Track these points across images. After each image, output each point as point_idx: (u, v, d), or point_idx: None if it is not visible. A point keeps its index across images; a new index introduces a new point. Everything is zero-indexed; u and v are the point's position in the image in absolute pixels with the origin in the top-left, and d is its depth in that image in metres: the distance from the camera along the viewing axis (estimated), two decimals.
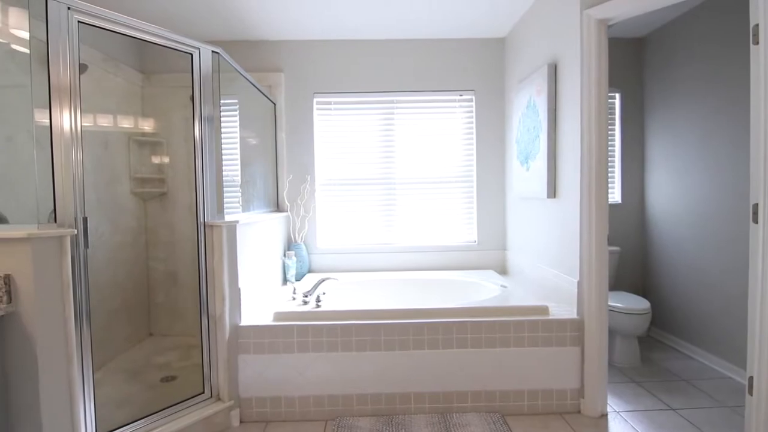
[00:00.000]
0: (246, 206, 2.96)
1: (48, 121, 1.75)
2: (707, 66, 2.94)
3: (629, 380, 2.78)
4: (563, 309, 2.48)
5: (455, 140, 3.61)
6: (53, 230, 1.68)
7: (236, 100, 3.09)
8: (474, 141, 3.61)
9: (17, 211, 2.19)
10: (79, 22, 1.81)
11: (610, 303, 2.86)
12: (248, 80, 2.94)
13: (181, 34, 2.18)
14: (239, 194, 2.98)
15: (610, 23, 2.26)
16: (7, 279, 1.61)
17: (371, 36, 3.47)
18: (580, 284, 2.37)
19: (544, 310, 2.42)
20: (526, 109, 2.95)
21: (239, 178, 3.00)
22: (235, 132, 3.06)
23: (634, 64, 3.65)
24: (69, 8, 1.77)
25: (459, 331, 2.34)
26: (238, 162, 3.03)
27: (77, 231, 1.77)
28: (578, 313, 2.38)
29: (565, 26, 2.47)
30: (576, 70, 2.36)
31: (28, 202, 1.91)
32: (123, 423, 1.97)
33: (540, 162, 2.73)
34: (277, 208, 3.58)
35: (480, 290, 3.04)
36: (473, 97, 3.59)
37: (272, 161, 3.53)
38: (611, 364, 2.95)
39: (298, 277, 3.41)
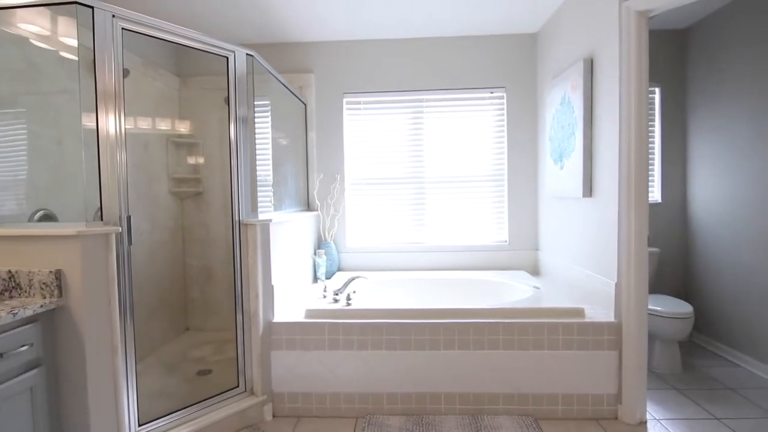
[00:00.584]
0: (278, 205, 3.02)
1: (94, 124, 1.83)
2: (758, 60, 2.78)
3: (670, 387, 2.67)
4: (599, 312, 2.41)
5: (485, 138, 3.56)
6: (100, 228, 1.76)
7: (268, 102, 3.15)
8: (505, 139, 3.55)
9: (65, 209, 2.31)
10: (123, 29, 1.88)
11: (649, 306, 2.76)
12: (280, 81, 2.99)
13: (216, 37, 2.24)
14: (271, 194, 3.04)
15: (651, 15, 2.17)
16: (58, 274, 1.70)
17: (400, 35, 3.47)
18: (617, 286, 2.29)
19: (579, 312, 2.35)
20: (560, 105, 2.88)
21: (271, 177, 3.06)
22: (267, 132, 3.13)
23: (675, 57, 3.50)
24: (114, 16, 1.85)
25: (491, 332, 2.30)
26: (270, 162, 3.10)
27: (121, 229, 1.85)
28: (616, 316, 2.30)
29: (603, 19, 2.39)
30: (614, 65, 2.28)
31: (75, 202, 2.01)
32: (162, 414, 2.04)
33: (575, 160, 2.65)
34: (308, 207, 3.63)
35: (511, 291, 2.99)
36: (504, 95, 3.53)
37: (303, 161, 3.58)
38: (650, 370, 2.84)
39: (328, 276, 3.45)
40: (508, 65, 3.49)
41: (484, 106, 3.55)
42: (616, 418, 2.29)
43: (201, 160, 3.54)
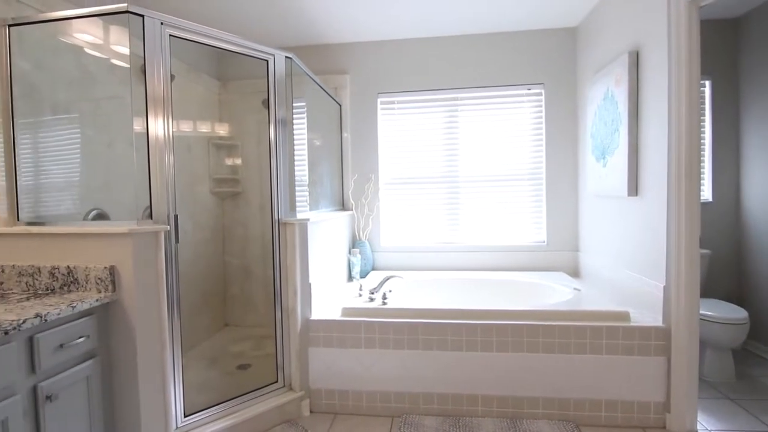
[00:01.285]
0: (314, 205, 3.06)
1: (144, 128, 1.92)
2: None
3: (722, 396, 2.52)
4: (646, 316, 2.31)
5: (523, 135, 3.49)
6: (150, 226, 1.85)
7: (304, 103, 3.20)
8: (543, 136, 3.46)
9: (117, 209, 2.43)
10: (170, 35, 1.96)
11: (700, 311, 2.62)
12: (316, 83, 3.03)
13: (255, 41, 2.30)
14: (307, 193, 3.09)
15: (702, 4, 2.06)
16: (112, 270, 1.79)
17: (434, 34, 3.45)
18: (666, 289, 2.19)
19: (624, 315, 2.26)
20: (603, 101, 2.78)
21: (307, 177, 3.11)
22: (304, 133, 3.18)
23: (727, 48, 3.30)
24: (162, 23, 1.93)
25: (530, 334, 2.25)
26: (306, 162, 3.15)
27: (169, 227, 1.93)
28: (664, 321, 2.20)
29: (650, 10, 2.29)
30: (662, 58, 2.18)
31: (126, 201, 2.11)
32: (205, 406, 2.11)
33: (619, 157, 2.55)
34: (343, 206, 3.66)
35: (551, 293, 2.91)
36: (542, 91, 3.44)
37: (338, 161, 3.62)
38: (700, 378, 2.69)
39: (363, 275, 3.47)
40: (546, 61, 3.40)
41: (522, 103, 3.47)
42: (664, 427, 2.18)
43: (239, 161, 3.64)
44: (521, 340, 2.25)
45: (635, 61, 2.44)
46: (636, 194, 2.47)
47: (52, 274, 1.83)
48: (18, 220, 2.02)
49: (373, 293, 2.72)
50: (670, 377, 2.16)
